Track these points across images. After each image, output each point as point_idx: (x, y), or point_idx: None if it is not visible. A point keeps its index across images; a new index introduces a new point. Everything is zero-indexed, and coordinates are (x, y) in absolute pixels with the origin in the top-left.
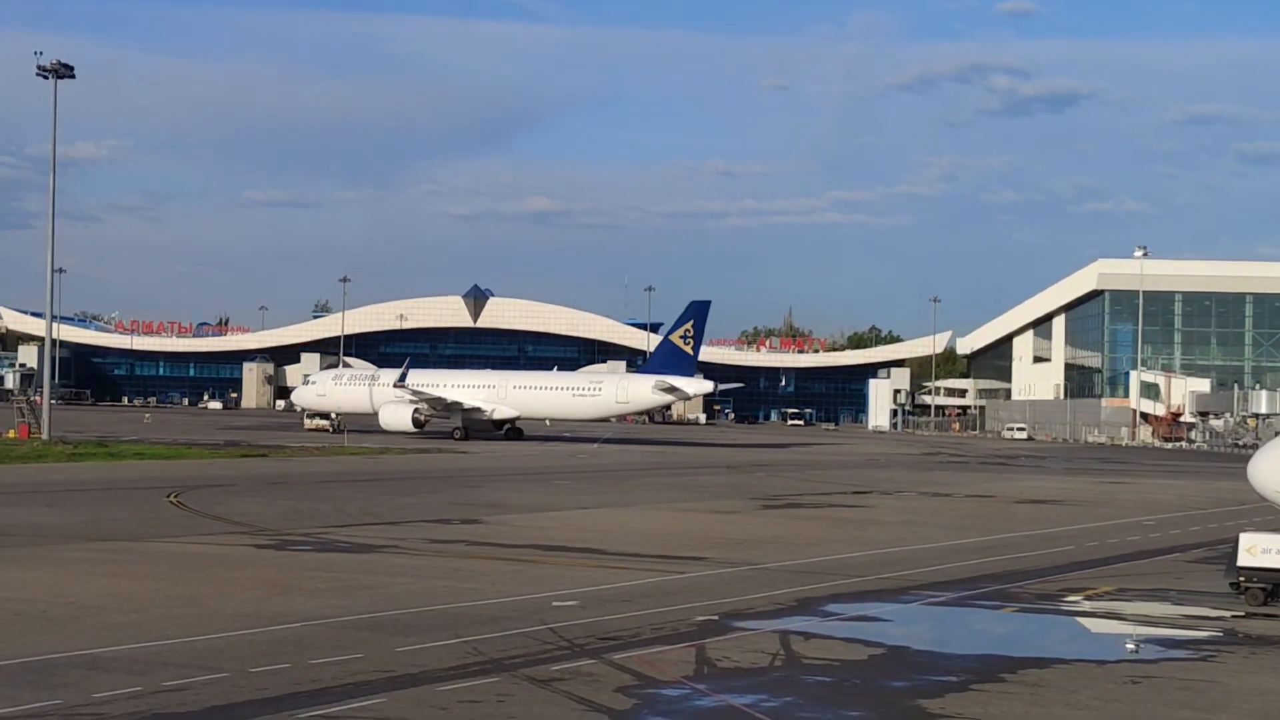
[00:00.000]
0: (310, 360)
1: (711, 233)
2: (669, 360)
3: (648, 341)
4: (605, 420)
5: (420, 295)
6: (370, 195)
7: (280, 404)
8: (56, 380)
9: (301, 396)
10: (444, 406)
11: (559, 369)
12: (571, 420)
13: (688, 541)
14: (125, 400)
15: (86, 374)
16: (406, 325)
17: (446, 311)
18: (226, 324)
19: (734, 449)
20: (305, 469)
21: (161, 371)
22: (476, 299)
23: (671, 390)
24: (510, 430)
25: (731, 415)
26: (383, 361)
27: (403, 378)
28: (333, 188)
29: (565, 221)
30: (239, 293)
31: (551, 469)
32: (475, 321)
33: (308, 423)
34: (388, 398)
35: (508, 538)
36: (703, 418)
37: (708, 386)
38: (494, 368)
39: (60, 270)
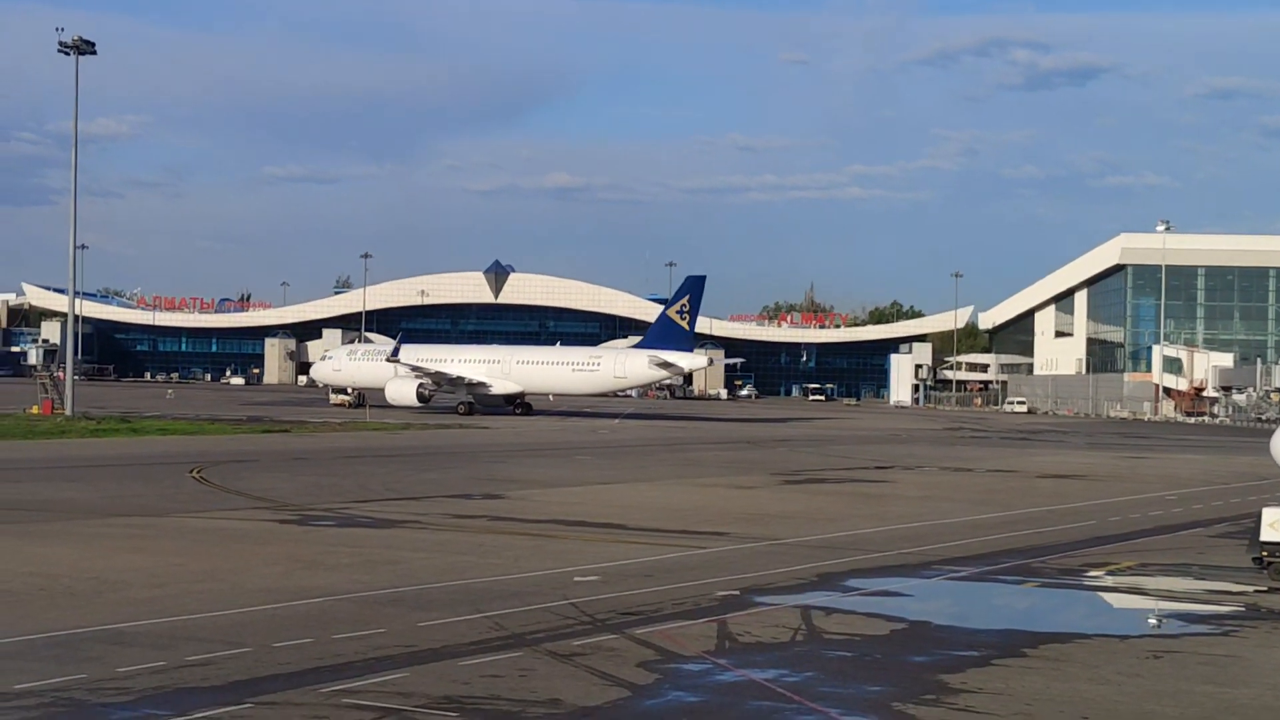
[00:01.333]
0: (332, 336)
1: (732, 207)
2: (666, 335)
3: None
4: (606, 395)
5: (441, 271)
6: (391, 171)
7: (302, 379)
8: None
9: (319, 372)
10: (448, 381)
11: (581, 344)
12: (572, 395)
13: (709, 516)
14: (148, 376)
15: (109, 350)
16: (428, 301)
17: (468, 287)
18: (248, 300)
19: (755, 424)
20: (327, 444)
21: (184, 347)
22: (498, 274)
23: (666, 365)
24: (520, 405)
25: (754, 391)
26: (404, 338)
27: (395, 352)
28: (353, 164)
29: (585, 197)
30: (260, 268)
31: (572, 444)
32: (496, 297)
33: (333, 398)
34: (396, 373)
35: (529, 513)
36: (724, 393)
37: (702, 361)
38: (515, 343)
39: (82, 246)
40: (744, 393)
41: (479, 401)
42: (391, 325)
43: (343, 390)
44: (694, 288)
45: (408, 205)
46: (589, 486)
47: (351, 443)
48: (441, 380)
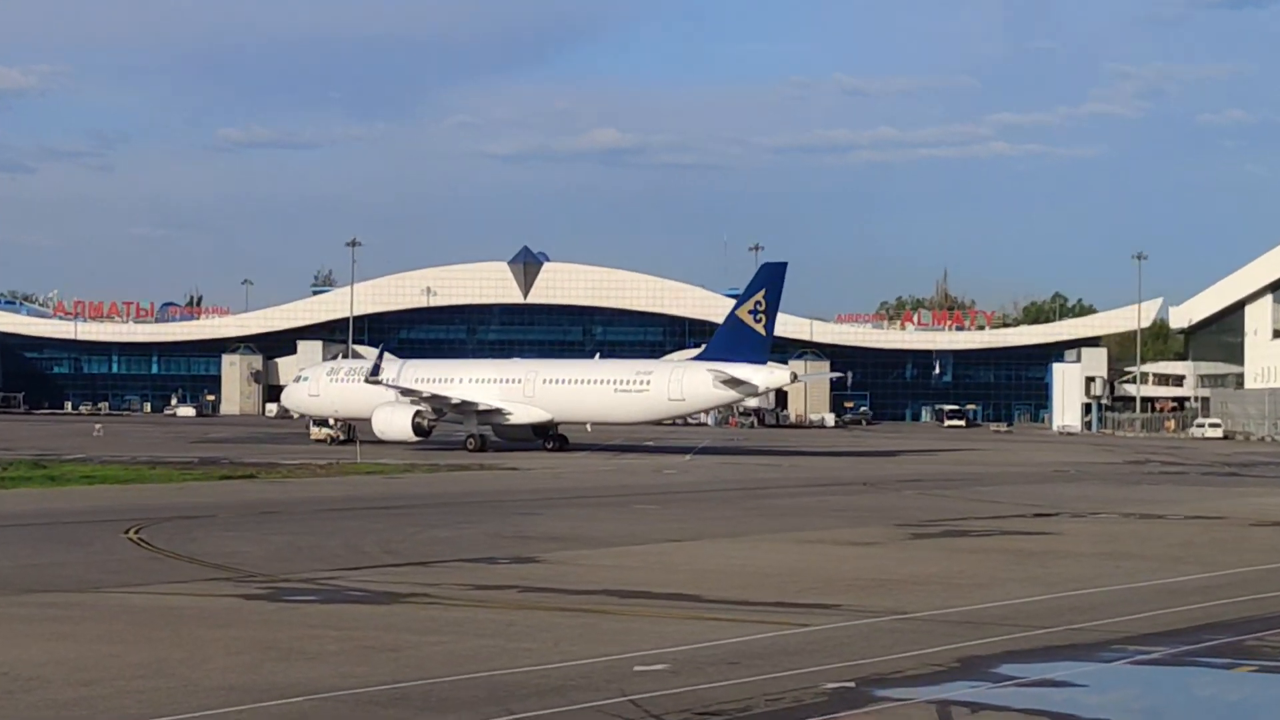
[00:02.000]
0: (310, 350)
1: (836, 172)
2: (734, 342)
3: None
4: (657, 423)
5: (453, 262)
6: (384, 132)
7: (271, 408)
8: None
9: (291, 397)
10: (451, 407)
11: (640, 357)
12: (614, 424)
13: (812, 583)
14: (69, 407)
15: (17, 373)
16: (436, 302)
17: (487, 283)
18: (199, 304)
19: (872, 459)
20: (306, 493)
21: (115, 368)
22: (527, 266)
23: (735, 383)
24: (553, 438)
25: (867, 414)
26: (405, 350)
27: (375, 370)
28: (334, 123)
29: (641, 161)
30: (215, 263)
31: (628, 489)
32: (526, 296)
33: (314, 431)
34: (385, 397)
35: (573, 581)
36: (830, 418)
37: (781, 376)
38: (553, 355)
39: None
40: (855, 417)
41: (499, 434)
42: (388, 334)
43: (325, 422)
44: (771, 279)
45: (407, 177)
46: (651, 545)
47: (338, 491)
48: (443, 406)
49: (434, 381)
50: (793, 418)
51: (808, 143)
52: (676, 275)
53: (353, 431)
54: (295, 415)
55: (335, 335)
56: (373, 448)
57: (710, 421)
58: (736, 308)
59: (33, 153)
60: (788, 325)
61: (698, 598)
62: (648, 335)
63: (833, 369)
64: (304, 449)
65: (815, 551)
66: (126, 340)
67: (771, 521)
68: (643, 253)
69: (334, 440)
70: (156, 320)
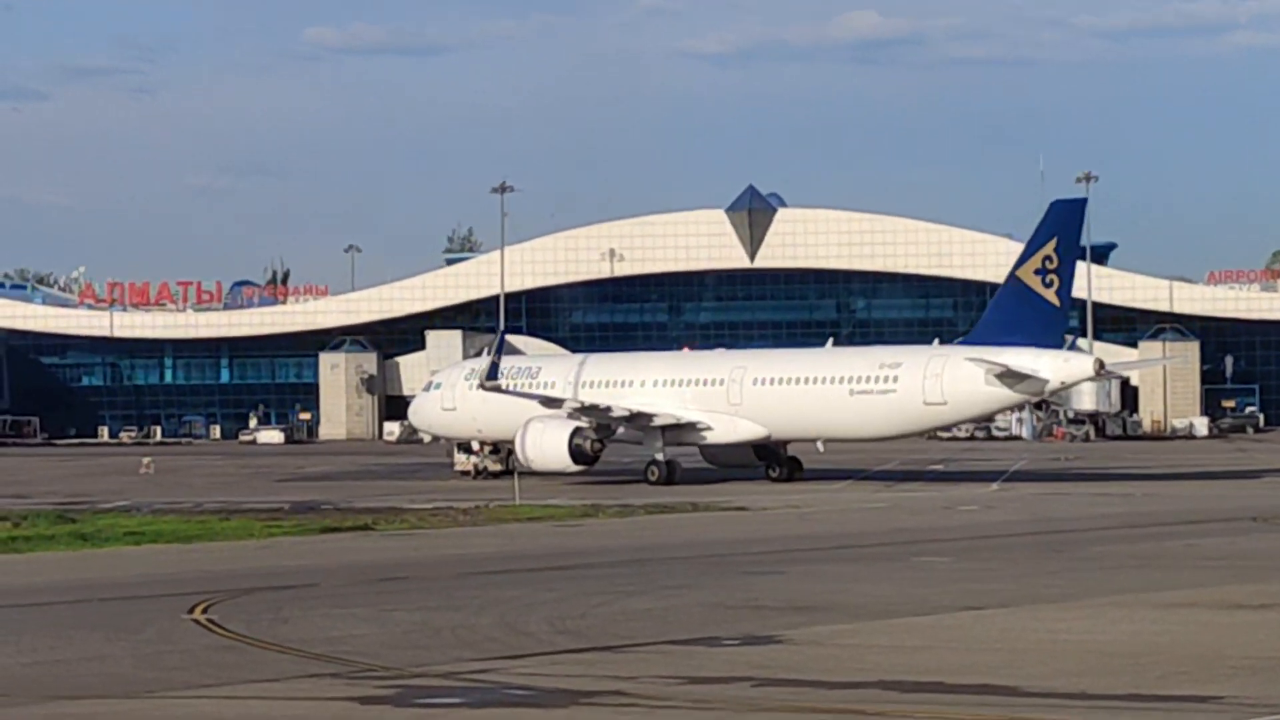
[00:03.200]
0: (444, 344)
1: (1201, 64)
2: (1013, 316)
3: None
4: (903, 436)
5: (646, 212)
6: (542, 27)
7: (392, 428)
8: None
9: (420, 412)
10: (622, 421)
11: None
12: (850, 440)
13: (1181, 665)
14: (104, 434)
15: (31, 388)
16: (622, 270)
17: (696, 240)
18: (285, 282)
19: (1265, 482)
20: (443, 551)
21: (169, 377)
22: (753, 215)
23: (1010, 377)
24: (778, 462)
25: (1257, 418)
26: (577, 340)
27: (493, 371)
28: (471, 18)
29: (915, 56)
30: (305, 224)
31: (909, 535)
32: (752, 257)
33: (458, 460)
34: (535, 411)
35: (831, 670)
36: (1201, 424)
37: (1083, 367)
38: (795, 342)
39: None
40: (1238, 421)
41: (707, 457)
42: (555, 317)
43: (469, 446)
44: (1065, 223)
45: (576, 91)
46: (943, 615)
47: (489, 546)
48: (611, 421)
49: (602, 385)
50: (1146, 425)
51: (1158, 22)
52: (969, 222)
53: (511, 459)
54: (426, 438)
55: (480, 321)
56: (537, 482)
57: (1025, 434)
58: (1017, 266)
59: (45, 71)
60: (1135, 289)
61: (1014, 690)
62: (930, 310)
63: (1204, 352)
64: (441, 486)
65: (1183, 619)
66: (183, 336)
67: (1117, 577)
68: (919, 191)
69: (482, 472)
70: (225, 307)
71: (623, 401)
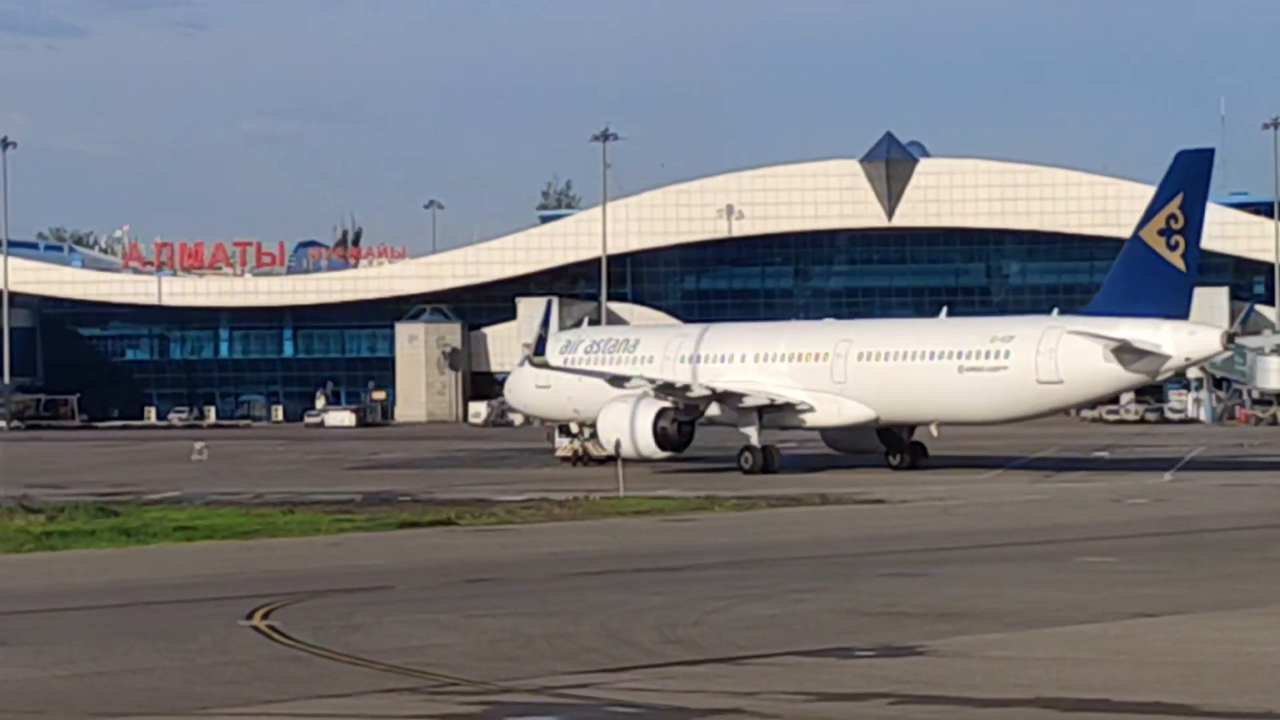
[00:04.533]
0: (537, 312)
1: None
2: (1135, 283)
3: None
4: (1018, 419)
5: (768, 163)
6: None
7: (478, 409)
8: (7, 380)
9: (516, 389)
10: (708, 401)
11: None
12: (960, 423)
13: None
14: (151, 415)
15: (68, 362)
16: (741, 229)
17: (826, 195)
18: (356, 243)
19: None
20: (536, 549)
21: (224, 350)
22: (891, 165)
23: (1128, 352)
24: (901, 448)
25: None
26: (690, 308)
27: (539, 347)
28: None
29: None
30: (379, 176)
31: (1070, 531)
32: (890, 214)
33: (559, 444)
34: (619, 390)
35: (981, 685)
36: None
37: (1209, 341)
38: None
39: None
40: None
41: (829, 441)
42: (664, 282)
43: (568, 429)
44: (1192, 176)
45: (687, 25)
46: (1110, 624)
47: (589, 543)
48: (696, 401)
49: (702, 361)
50: None
51: None
52: (1139, 174)
53: (618, 446)
54: (518, 420)
55: (579, 287)
56: (645, 470)
57: (1203, 416)
58: (1140, 226)
59: (83, 3)
60: None
61: (1190, 709)
62: (1095, 274)
63: None
64: (534, 475)
65: None
66: (241, 304)
67: None
68: (1081, 138)
69: (582, 458)
70: (289, 271)
71: (712, 379)
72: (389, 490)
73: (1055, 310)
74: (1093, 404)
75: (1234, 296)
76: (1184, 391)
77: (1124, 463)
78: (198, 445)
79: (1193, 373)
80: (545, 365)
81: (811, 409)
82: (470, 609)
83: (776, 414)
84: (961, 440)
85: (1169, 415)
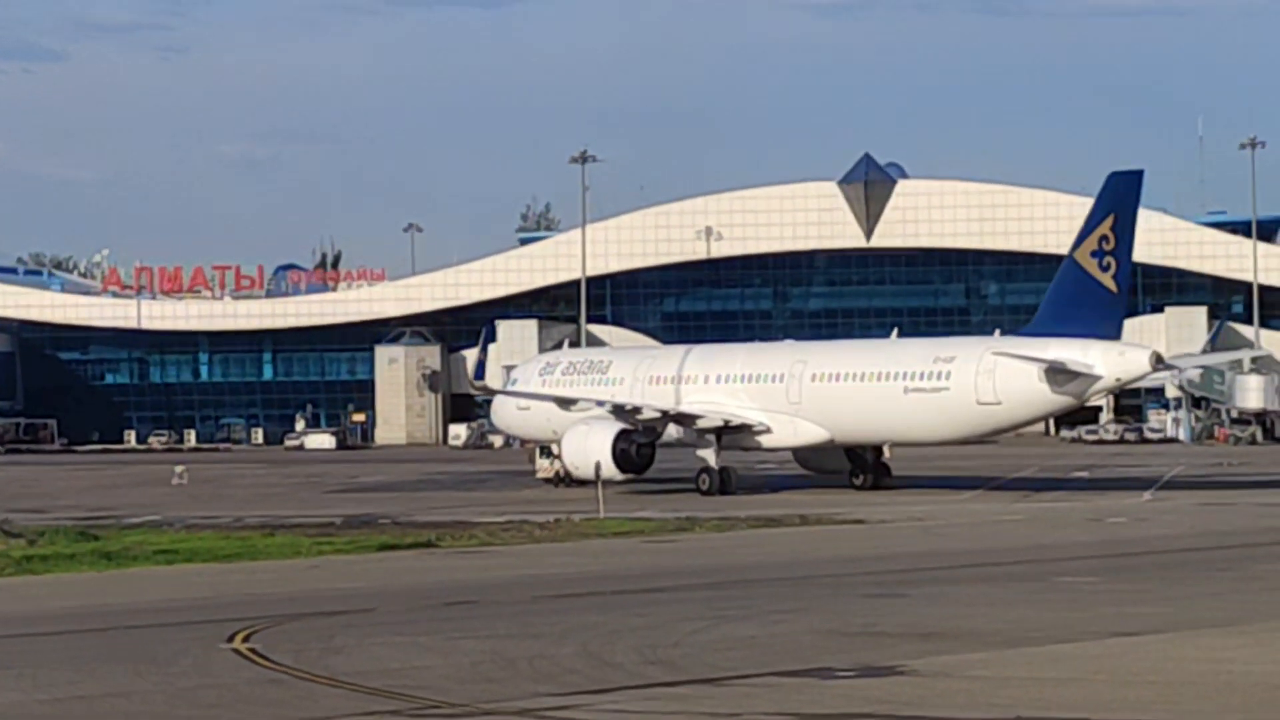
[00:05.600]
0: (517, 335)
1: None
2: (1069, 303)
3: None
4: (960, 441)
5: (747, 185)
6: None
7: (458, 432)
8: None
9: (498, 412)
10: (667, 422)
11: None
12: (907, 443)
13: None
14: (131, 439)
15: (46, 386)
16: (720, 250)
17: (805, 216)
18: (335, 266)
19: None
20: (517, 571)
21: (204, 374)
22: (870, 187)
23: (1060, 374)
24: (864, 469)
25: None
26: (669, 330)
27: (479, 370)
28: None
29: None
30: (358, 199)
31: (1050, 551)
32: (869, 235)
33: (540, 466)
34: (578, 414)
35: (962, 707)
36: None
37: (1137, 361)
38: (914, 331)
39: None
40: None
41: (802, 462)
42: (644, 304)
43: (549, 450)
44: (1120, 197)
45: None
46: (1090, 643)
47: (569, 565)
48: (657, 423)
49: (653, 383)
50: None
51: None
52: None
53: (599, 467)
54: (497, 443)
55: (559, 309)
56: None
57: (1182, 436)
58: (1075, 247)
59: (61, 27)
60: None
61: None
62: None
63: None
64: (514, 497)
65: None
66: (220, 328)
67: None
68: (1059, 159)
69: (564, 479)
70: (268, 294)
71: (671, 401)
72: (369, 513)
73: (997, 331)
74: (1029, 425)
75: (1212, 316)
76: (1163, 411)
77: (1103, 482)
78: (178, 469)
79: (1171, 392)
80: (486, 390)
81: (769, 430)
82: (451, 631)
83: (734, 435)
84: (939, 461)
85: (1148, 435)
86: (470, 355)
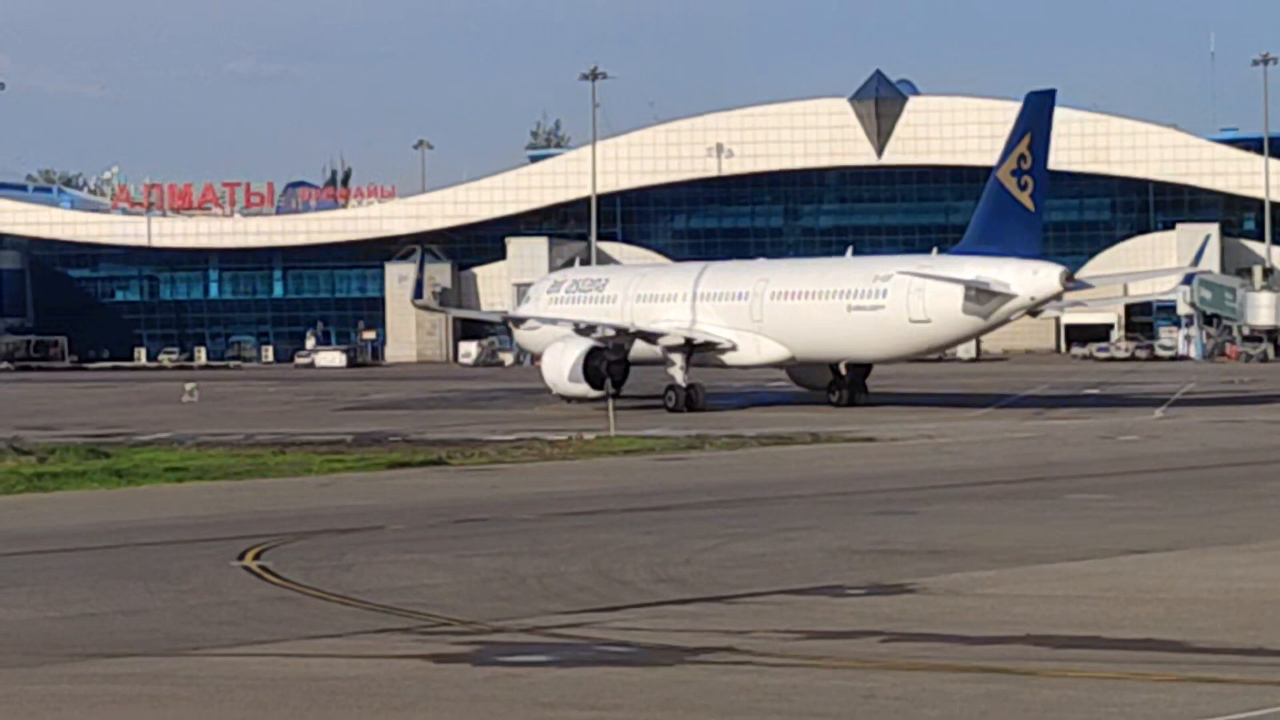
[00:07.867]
0: (527, 253)
1: None
2: (990, 223)
3: (1267, 174)
4: (897, 359)
5: (757, 102)
6: None
7: (469, 350)
8: None
9: (518, 332)
10: (637, 339)
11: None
12: (854, 360)
13: None
14: (141, 356)
15: (57, 305)
16: (731, 168)
17: (816, 133)
18: (345, 183)
19: None
20: (527, 489)
21: (214, 291)
22: (880, 104)
23: (980, 294)
24: (840, 386)
25: None
26: (680, 247)
27: (417, 290)
28: None
29: None
30: (369, 117)
31: (1060, 469)
32: (880, 152)
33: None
34: (559, 334)
35: (971, 623)
36: None
37: (1049, 280)
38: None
39: None
40: None
41: (795, 379)
42: (653, 221)
43: None
44: (1037, 117)
45: None
46: (1099, 560)
47: (579, 483)
48: (622, 340)
49: (639, 301)
50: None
51: None
52: (1128, 111)
53: (607, 385)
54: (508, 360)
55: (569, 227)
56: (640, 412)
57: (1193, 353)
58: (997, 167)
59: None
60: None
61: (1180, 645)
62: (1085, 211)
63: None
64: (525, 415)
65: None
66: (230, 245)
67: None
68: (1070, 75)
69: (580, 398)
70: (278, 211)
71: (647, 319)
72: (380, 430)
73: (934, 249)
74: (959, 343)
75: (1224, 233)
76: (1174, 328)
77: (1114, 399)
78: (188, 386)
79: (1183, 309)
80: (426, 308)
81: (735, 347)
82: (461, 549)
83: (701, 353)
84: (950, 378)
85: (1159, 352)
86: (480, 272)
